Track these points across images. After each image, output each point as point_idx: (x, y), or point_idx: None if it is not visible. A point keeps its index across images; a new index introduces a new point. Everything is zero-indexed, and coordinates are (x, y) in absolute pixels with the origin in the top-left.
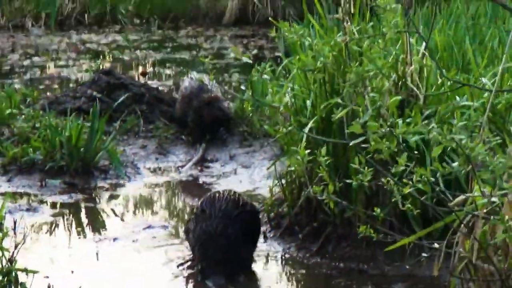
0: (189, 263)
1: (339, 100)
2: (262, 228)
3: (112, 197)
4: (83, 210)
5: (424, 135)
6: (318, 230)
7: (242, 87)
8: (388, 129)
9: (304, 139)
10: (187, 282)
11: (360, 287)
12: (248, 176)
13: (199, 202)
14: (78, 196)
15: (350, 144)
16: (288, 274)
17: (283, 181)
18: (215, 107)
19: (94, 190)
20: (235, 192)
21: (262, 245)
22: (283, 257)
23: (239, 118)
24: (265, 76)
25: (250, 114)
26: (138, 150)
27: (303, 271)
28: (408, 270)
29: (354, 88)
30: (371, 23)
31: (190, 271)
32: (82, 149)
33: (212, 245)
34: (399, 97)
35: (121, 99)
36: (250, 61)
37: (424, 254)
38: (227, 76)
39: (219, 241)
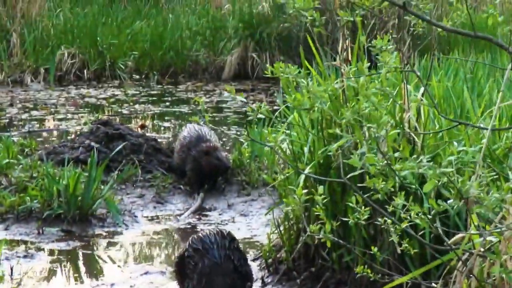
0: None
1: (338, 131)
2: (261, 274)
3: (109, 245)
4: (81, 257)
5: (419, 174)
6: (317, 275)
7: (241, 140)
8: (385, 162)
9: (301, 183)
10: None
11: None
12: (246, 224)
13: (188, 245)
14: (75, 243)
15: (348, 176)
16: None
17: (281, 227)
18: (214, 157)
19: (91, 237)
20: (214, 228)
21: None
22: None
23: (237, 167)
24: (260, 115)
25: (248, 163)
26: (136, 199)
27: None
28: None
29: (351, 123)
30: (368, 64)
31: None
32: (79, 197)
33: (219, 274)
34: (397, 131)
35: (118, 148)
36: (245, 100)
37: None
38: (226, 128)
39: (225, 268)
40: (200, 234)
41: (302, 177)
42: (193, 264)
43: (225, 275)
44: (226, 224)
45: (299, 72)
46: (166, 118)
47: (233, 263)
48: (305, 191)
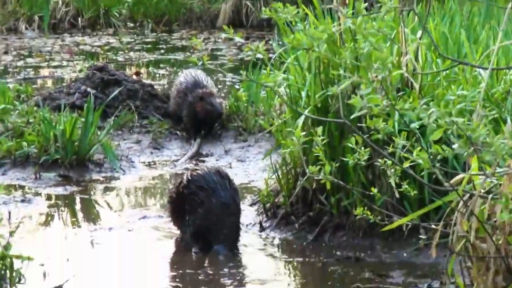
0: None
1: (341, 72)
2: (259, 218)
3: (106, 190)
4: (78, 202)
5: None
6: (315, 219)
7: (236, 87)
8: (389, 102)
9: (299, 126)
10: (184, 262)
11: (358, 274)
12: (243, 169)
13: (187, 181)
14: (72, 188)
15: (351, 117)
16: (284, 261)
17: (279, 172)
18: (208, 102)
19: (88, 182)
20: (211, 166)
21: (258, 234)
22: (280, 246)
23: (233, 113)
24: (258, 55)
25: (245, 109)
26: (133, 145)
27: (300, 259)
28: (405, 258)
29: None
30: (366, 4)
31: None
32: (76, 142)
33: (226, 214)
34: (400, 71)
35: (114, 93)
36: (243, 40)
37: (422, 236)
38: (221, 76)
39: (233, 209)
40: (199, 172)
41: (301, 120)
42: (198, 202)
43: (233, 215)
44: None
45: (297, 12)
46: (161, 65)
47: (237, 204)
48: (304, 133)
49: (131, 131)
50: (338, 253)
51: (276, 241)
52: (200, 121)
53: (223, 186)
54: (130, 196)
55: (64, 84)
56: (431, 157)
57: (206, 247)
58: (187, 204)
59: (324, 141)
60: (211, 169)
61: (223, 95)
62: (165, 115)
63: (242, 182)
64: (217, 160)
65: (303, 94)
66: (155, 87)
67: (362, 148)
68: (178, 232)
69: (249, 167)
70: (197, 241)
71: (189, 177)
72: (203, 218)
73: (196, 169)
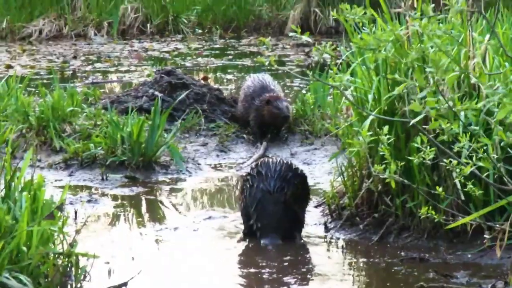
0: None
1: (397, 77)
2: (323, 219)
3: (172, 191)
4: (144, 202)
5: (483, 119)
6: (379, 221)
7: (303, 92)
8: (446, 105)
9: (366, 128)
10: (247, 259)
11: (422, 274)
12: (309, 172)
13: (254, 166)
14: (139, 189)
15: (411, 122)
16: (349, 261)
17: (344, 174)
18: (274, 106)
19: (154, 184)
20: (286, 159)
21: (323, 234)
22: (344, 246)
23: (300, 117)
24: (325, 55)
25: (311, 112)
26: (199, 147)
27: (364, 259)
28: (470, 259)
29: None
30: (433, 5)
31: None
32: (143, 144)
33: (270, 202)
34: (456, 73)
35: (181, 96)
36: (310, 40)
37: (486, 236)
38: (289, 81)
39: (277, 198)
40: (269, 159)
41: (367, 122)
42: (250, 185)
43: (278, 205)
44: None
45: (365, 13)
46: (228, 71)
47: (285, 196)
48: (370, 133)
49: (197, 134)
50: (402, 254)
51: (341, 242)
52: (267, 124)
53: (277, 174)
54: (196, 197)
55: (131, 88)
56: (496, 156)
57: (250, 233)
58: (244, 185)
59: (390, 140)
60: (279, 159)
61: (290, 99)
62: (232, 119)
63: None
64: None
65: (370, 97)
66: (222, 91)
67: (428, 148)
68: (240, 230)
69: (315, 170)
70: (245, 228)
71: (259, 162)
72: (246, 202)
73: (270, 157)
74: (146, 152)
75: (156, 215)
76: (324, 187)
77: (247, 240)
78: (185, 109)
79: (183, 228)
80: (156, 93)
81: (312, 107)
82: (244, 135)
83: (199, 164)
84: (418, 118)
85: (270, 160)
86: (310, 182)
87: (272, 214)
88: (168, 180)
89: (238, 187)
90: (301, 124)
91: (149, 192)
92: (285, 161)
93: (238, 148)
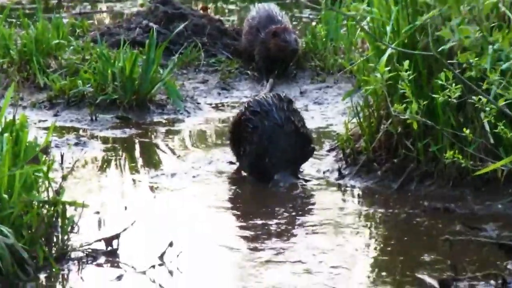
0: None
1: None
2: (337, 165)
3: (169, 133)
4: (138, 146)
5: None
6: (399, 167)
7: (314, 23)
8: (482, 34)
9: (384, 62)
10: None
11: (447, 226)
12: (321, 112)
13: (244, 108)
14: (132, 131)
15: (441, 48)
16: (365, 212)
17: (360, 114)
18: (281, 38)
19: (149, 125)
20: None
21: (336, 183)
22: (360, 195)
23: (310, 51)
24: None
25: (323, 46)
26: (199, 85)
27: (382, 210)
28: (500, 209)
29: None
30: None
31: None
32: (136, 81)
33: (281, 135)
34: (494, 0)
35: (179, 28)
36: None
37: None
38: (297, 12)
39: (288, 129)
40: (256, 98)
41: (385, 56)
42: (252, 127)
43: (287, 135)
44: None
45: None
46: (230, 0)
47: (294, 124)
48: (388, 68)
49: (196, 70)
50: (425, 203)
51: (356, 190)
52: (274, 59)
53: (278, 107)
54: (195, 140)
55: (123, 19)
56: None
57: (265, 177)
58: (243, 132)
59: (411, 77)
60: (269, 94)
61: (298, 32)
62: (234, 53)
63: (319, 126)
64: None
65: (388, 28)
66: (224, 22)
67: (453, 85)
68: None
69: (327, 110)
70: (254, 171)
71: (246, 105)
72: (257, 143)
73: (255, 96)
74: (140, 89)
75: (151, 160)
76: (337, 129)
77: (252, 185)
78: (182, 42)
79: (181, 174)
80: (151, 24)
81: (323, 40)
82: (248, 71)
83: (198, 103)
84: (445, 47)
85: (258, 98)
86: (322, 123)
87: (285, 146)
88: (164, 121)
89: (230, 136)
90: (311, 59)
91: (144, 134)
92: (272, 94)
93: (241, 85)
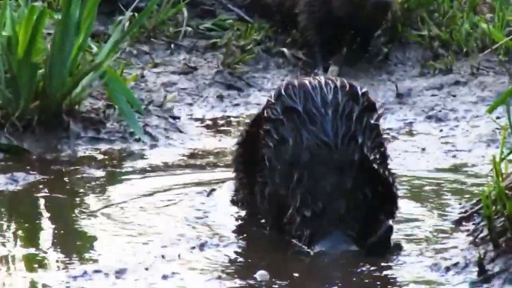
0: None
1: None
2: (474, 252)
3: (109, 184)
4: (41, 214)
5: None
6: None
7: None
8: None
9: None
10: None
11: None
12: (441, 137)
13: (275, 98)
14: (29, 178)
15: None
16: None
17: None
18: None
19: (67, 165)
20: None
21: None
22: None
23: (419, 7)
24: None
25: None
26: (177, 78)
27: None
28: None
29: None
30: None
31: None
32: (41, 70)
33: (329, 167)
34: None
35: None
36: None
37: None
38: None
39: (343, 157)
40: (303, 81)
41: None
42: (277, 139)
43: (341, 168)
44: (396, 138)
45: None
46: None
47: (361, 149)
48: None
49: (172, 45)
50: None
51: None
52: (339, 24)
53: (333, 108)
54: (164, 203)
55: None
56: None
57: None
58: (260, 142)
59: None
60: (334, 80)
61: None
62: (254, 9)
63: (437, 167)
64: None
65: None
66: None
67: None
68: None
69: (455, 133)
70: (276, 226)
71: (283, 86)
72: (280, 174)
73: (301, 79)
74: (49, 87)
75: (68, 248)
76: (476, 174)
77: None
78: None
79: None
80: None
81: None
82: (284, 49)
83: (175, 118)
84: None
85: (307, 80)
86: (444, 161)
87: (335, 189)
88: (99, 157)
89: (236, 153)
90: (421, 23)
91: (53, 187)
92: (330, 80)
93: (267, 78)
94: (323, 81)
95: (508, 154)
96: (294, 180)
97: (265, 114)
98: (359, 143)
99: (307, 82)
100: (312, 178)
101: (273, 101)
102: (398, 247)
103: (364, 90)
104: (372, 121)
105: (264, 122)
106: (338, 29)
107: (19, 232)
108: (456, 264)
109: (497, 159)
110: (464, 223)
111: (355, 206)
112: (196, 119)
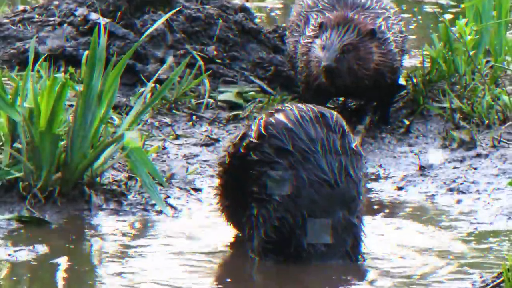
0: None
1: None
2: None
3: (131, 255)
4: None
5: None
6: None
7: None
8: None
9: None
10: None
11: None
12: (461, 210)
13: (257, 132)
14: (47, 247)
15: None
16: None
17: None
18: (322, 45)
19: (87, 236)
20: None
21: None
22: None
23: (440, 79)
24: None
25: (468, 69)
26: (198, 150)
27: None
28: None
29: None
30: None
31: None
32: (62, 141)
33: (331, 205)
34: None
35: (156, 23)
36: None
37: None
38: None
39: (343, 195)
40: (281, 116)
41: None
42: (274, 178)
43: (345, 207)
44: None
45: None
46: None
47: (355, 184)
48: None
49: (194, 117)
50: None
51: None
52: (332, 93)
53: (330, 145)
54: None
55: (37, 4)
56: None
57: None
58: (252, 181)
59: None
60: (305, 111)
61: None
62: (277, 80)
63: (459, 237)
64: (399, 188)
65: None
66: (254, 14)
67: None
68: None
69: (477, 206)
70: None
71: (262, 126)
72: (282, 210)
73: (279, 110)
74: (71, 157)
75: None
76: (499, 247)
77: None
78: (163, 56)
79: None
80: (93, 16)
81: (469, 53)
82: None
83: (197, 189)
84: None
85: (283, 116)
86: (465, 233)
87: (337, 227)
88: (120, 227)
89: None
90: (443, 96)
91: (73, 257)
92: (312, 112)
93: None
94: (297, 114)
95: None
96: (300, 214)
97: (254, 156)
98: (353, 178)
99: (282, 118)
100: (319, 213)
101: (255, 141)
102: None
103: (333, 115)
104: (352, 146)
105: (250, 159)
106: (328, 96)
107: None
108: None
109: None
110: None
111: (351, 236)
112: None
